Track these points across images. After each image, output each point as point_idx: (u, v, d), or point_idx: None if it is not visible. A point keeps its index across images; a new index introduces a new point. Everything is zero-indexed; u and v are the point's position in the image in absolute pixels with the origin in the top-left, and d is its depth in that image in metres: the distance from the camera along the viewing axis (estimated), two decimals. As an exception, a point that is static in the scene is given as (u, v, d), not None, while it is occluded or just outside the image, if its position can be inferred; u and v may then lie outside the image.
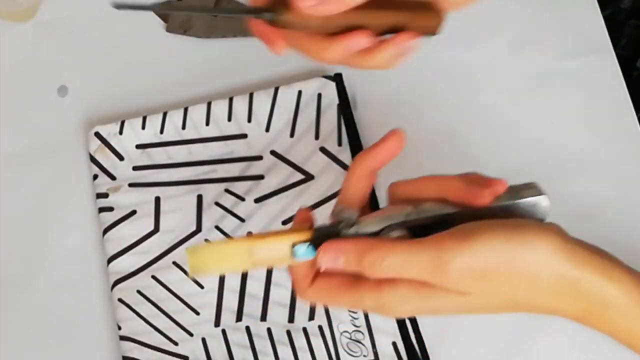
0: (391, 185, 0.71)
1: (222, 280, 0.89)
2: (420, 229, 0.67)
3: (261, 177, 0.91)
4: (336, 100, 0.92)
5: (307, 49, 0.69)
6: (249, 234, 0.89)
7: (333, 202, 0.88)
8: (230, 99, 0.93)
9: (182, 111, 0.93)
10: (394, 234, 0.67)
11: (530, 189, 0.70)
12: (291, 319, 0.87)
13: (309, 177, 0.91)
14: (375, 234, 0.68)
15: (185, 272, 0.89)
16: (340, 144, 0.91)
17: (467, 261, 0.63)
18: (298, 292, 0.70)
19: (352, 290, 0.67)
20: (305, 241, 0.68)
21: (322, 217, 0.89)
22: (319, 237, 0.68)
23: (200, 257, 0.67)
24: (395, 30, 0.70)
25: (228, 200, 0.91)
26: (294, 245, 0.67)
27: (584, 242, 0.67)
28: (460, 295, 0.65)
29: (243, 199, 0.91)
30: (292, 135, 0.92)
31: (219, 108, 0.92)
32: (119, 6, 0.63)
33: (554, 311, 0.67)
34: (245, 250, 0.67)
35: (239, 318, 0.88)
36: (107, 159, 0.93)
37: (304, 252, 0.67)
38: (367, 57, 0.69)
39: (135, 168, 0.93)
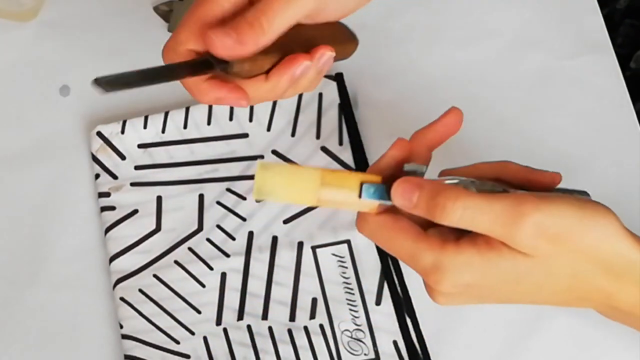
0: (444, 171, 0.70)
1: (223, 279, 0.88)
2: None
3: (263, 176, 0.91)
4: (337, 100, 0.92)
5: (255, 94, 0.68)
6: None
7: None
8: (232, 99, 0.92)
9: (183, 111, 0.93)
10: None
11: (581, 194, 0.70)
12: (292, 318, 0.87)
13: (310, 176, 0.90)
14: None
15: (186, 270, 0.89)
16: (341, 143, 0.91)
17: (545, 219, 0.62)
18: (359, 221, 0.68)
19: (415, 241, 0.65)
20: (373, 181, 0.66)
21: (323, 216, 0.89)
22: (390, 182, 0.65)
23: (270, 176, 0.64)
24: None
25: (229, 200, 0.91)
26: (362, 185, 0.65)
27: None
28: (526, 259, 0.63)
29: (244, 198, 0.91)
30: (293, 134, 0.92)
31: (221, 107, 0.92)
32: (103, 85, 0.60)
33: (610, 296, 0.66)
34: (316, 179, 0.65)
35: (240, 317, 0.88)
36: (109, 158, 0.93)
37: (373, 192, 0.66)
38: (296, 84, 0.68)
39: (137, 167, 0.92)
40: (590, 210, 0.64)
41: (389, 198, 0.66)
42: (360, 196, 0.66)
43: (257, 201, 0.89)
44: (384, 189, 0.66)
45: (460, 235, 0.65)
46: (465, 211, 0.63)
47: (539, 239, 0.62)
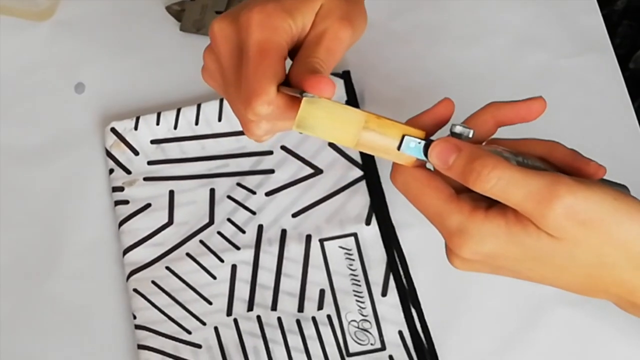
0: (492, 140, 0.68)
1: (233, 271, 0.88)
2: None
3: (271, 171, 0.91)
4: (344, 97, 0.92)
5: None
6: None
7: (342, 194, 0.89)
8: (242, 96, 0.92)
9: (195, 107, 0.93)
10: (458, 128, 0.65)
11: (621, 187, 0.69)
12: (301, 309, 0.87)
13: (318, 171, 0.90)
14: None
15: (198, 263, 0.89)
16: (348, 139, 0.91)
17: (577, 203, 0.60)
18: (394, 172, 0.66)
19: (446, 201, 0.64)
20: (416, 136, 0.64)
21: (330, 210, 0.89)
22: (432, 141, 0.64)
23: (314, 110, 0.62)
24: None
25: (240, 194, 0.91)
26: (404, 137, 0.64)
27: None
28: (551, 240, 0.62)
29: (254, 193, 0.91)
30: (301, 131, 0.92)
31: (231, 104, 0.92)
32: None
33: (633, 292, 0.65)
34: (359, 121, 0.63)
35: (250, 308, 0.88)
36: (122, 153, 0.93)
37: (413, 147, 0.64)
38: None
39: (150, 162, 0.92)
40: (627, 204, 0.62)
41: (427, 155, 0.64)
42: (399, 148, 0.64)
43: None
44: (424, 145, 0.64)
45: (491, 205, 0.64)
46: (499, 181, 0.61)
47: (567, 222, 0.61)
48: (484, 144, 0.68)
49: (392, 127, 0.64)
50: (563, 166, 0.68)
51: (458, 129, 0.65)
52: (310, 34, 0.69)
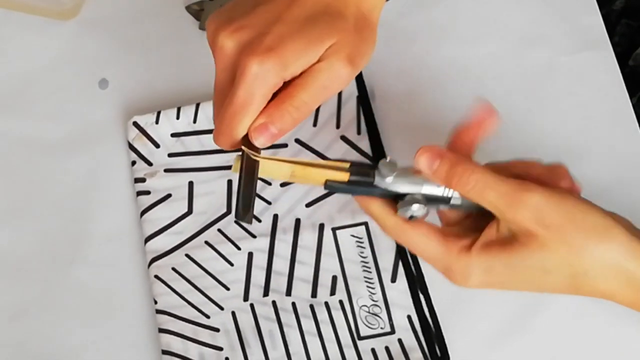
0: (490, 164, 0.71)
1: (250, 258, 0.89)
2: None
3: (286, 163, 0.92)
4: (355, 92, 0.92)
5: None
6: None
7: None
8: (258, 91, 0.93)
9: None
10: (415, 206, 0.69)
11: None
12: (314, 294, 0.88)
13: (330, 163, 0.91)
14: (400, 196, 0.69)
15: (216, 250, 0.90)
16: (359, 132, 0.91)
17: (541, 202, 0.65)
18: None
19: (431, 237, 0.69)
20: (337, 180, 0.70)
21: (342, 200, 0.90)
22: (352, 182, 0.70)
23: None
24: None
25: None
26: (327, 181, 0.70)
27: None
28: (520, 253, 0.66)
29: (270, 184, 0.91)
30: (315, 124, 0.92)
31: (247, 99, 0.93)
32: None
33: (604, 295, 0.68)
34: (287, 171, 0.70)
35: (266, 293, 0.89)
36: (144, 146, 0.93)
37: (335, 188, 0.70)
38: None
39: (170, 155, 0.93)
40: (594, 218, 0.66)
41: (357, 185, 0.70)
42: (325, 188, 0.71)
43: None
44: (345, 186, 0.70)
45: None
46: (478, 183, 0.66)
47: (533, 221, 0.65)
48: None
49: (316, 173, 0.70)
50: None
51: (382, 167, 0.70)
52: (310, 68, 0.68)
